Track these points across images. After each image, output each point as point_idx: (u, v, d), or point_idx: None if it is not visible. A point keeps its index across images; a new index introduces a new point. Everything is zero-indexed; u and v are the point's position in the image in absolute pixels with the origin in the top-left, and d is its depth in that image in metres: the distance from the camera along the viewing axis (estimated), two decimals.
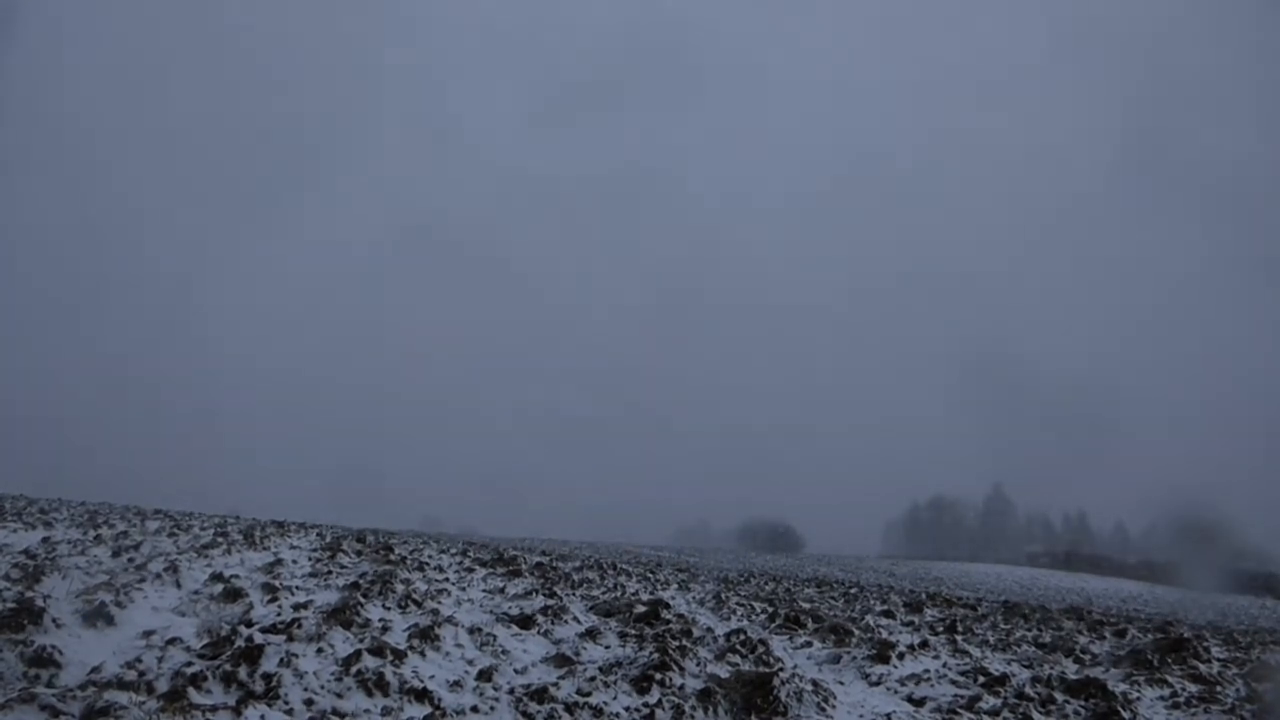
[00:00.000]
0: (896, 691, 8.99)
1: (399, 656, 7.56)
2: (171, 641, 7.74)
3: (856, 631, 12.22)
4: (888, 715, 7.93)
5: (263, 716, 5.99)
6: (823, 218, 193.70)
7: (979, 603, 29.96)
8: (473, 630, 9.30)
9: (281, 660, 6.82)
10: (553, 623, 10.45)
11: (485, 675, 7.68)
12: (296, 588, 11.79)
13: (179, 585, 11.06)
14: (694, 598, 17.60)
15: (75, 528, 20.36)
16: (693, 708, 7.10)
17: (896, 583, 46.02)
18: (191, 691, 6.05)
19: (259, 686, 6.46)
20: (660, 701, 7.17)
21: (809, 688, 7.87)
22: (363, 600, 9.93)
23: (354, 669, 6.95)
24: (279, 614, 9.13)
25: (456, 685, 7.36)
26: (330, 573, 13.79)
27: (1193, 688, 9.66)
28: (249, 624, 8.34)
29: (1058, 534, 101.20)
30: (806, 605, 18.28)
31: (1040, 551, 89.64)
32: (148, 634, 8.09)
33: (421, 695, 6.85)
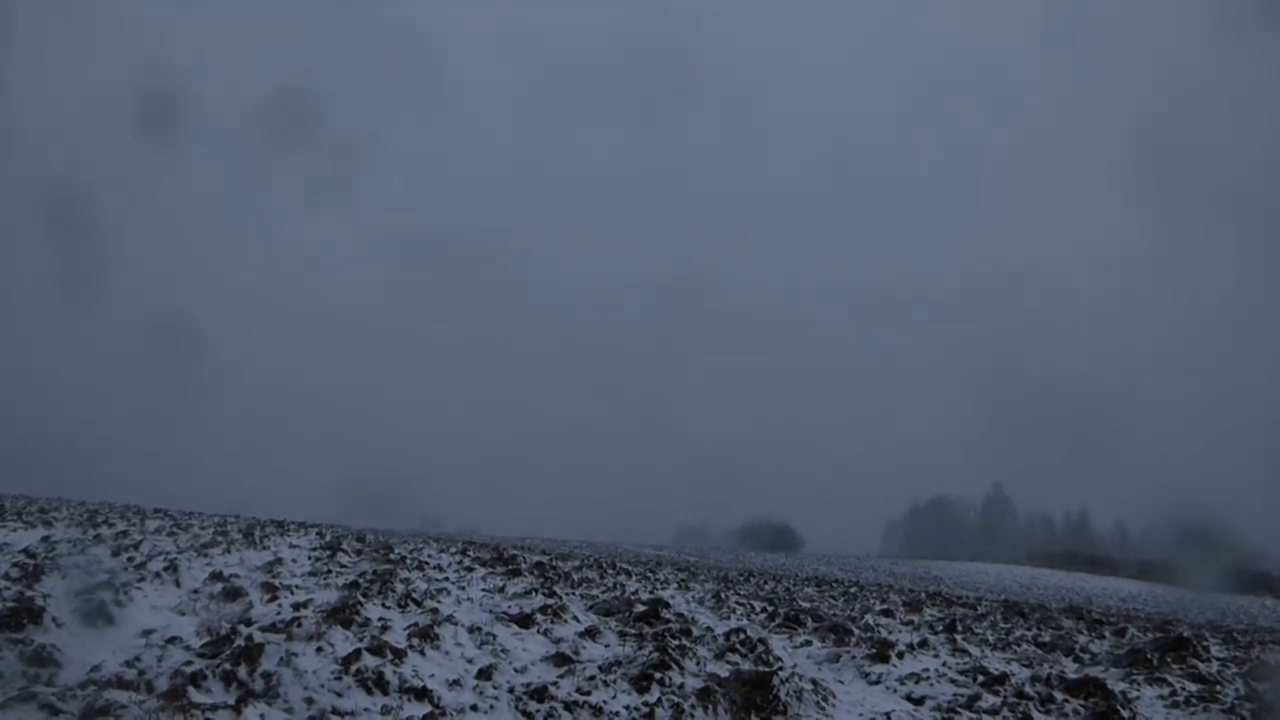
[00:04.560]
0: (896, 690, 9.00)
1: (399, 655, 7.56)
2: (171, 640, 7.74)
3: (856, 630, 12.22)
4: (887, 714, 7.94)
5: (262, 715, 5.99)
6: (824, 219, 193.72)
7: (979, 602, 29.99)
8: (472, 629, 9.30)
9: (281, 659, 6.82)
10: (552, 622, 10.45)
11: (485, 674, 7.68)
12: (296, 587, 11.79)
13: (179, 584, 11.06)
14: (694, 597, 17.61)
15: (75, 527, 20.37)
16: (692, 707, 7.11)
17: (896, 582, 46.04)
18: (191, 690, 6.05)
19: (259, 685, 6.46)
20: (660, 700, 7.18)
21: (809, 687, 7.88)
22: (362, 599, 9.93)
23: (354, 668, 6.95)
24: (279, 613, 9.15)
25: (456, 684, 7.36)
26: (330, 572, 13.80)
27: (1192, 687, 9.66)
28: (248, 623, 8.35)
29: (1058, 533, 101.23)
30: (806, 604, 18.29)
31: (1040, 551, 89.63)
32: (147, 633, 8.10)
33: (421, 694, 6.85)
